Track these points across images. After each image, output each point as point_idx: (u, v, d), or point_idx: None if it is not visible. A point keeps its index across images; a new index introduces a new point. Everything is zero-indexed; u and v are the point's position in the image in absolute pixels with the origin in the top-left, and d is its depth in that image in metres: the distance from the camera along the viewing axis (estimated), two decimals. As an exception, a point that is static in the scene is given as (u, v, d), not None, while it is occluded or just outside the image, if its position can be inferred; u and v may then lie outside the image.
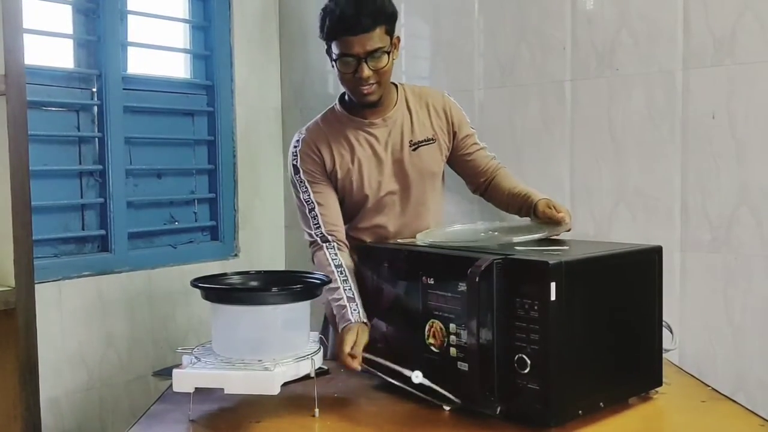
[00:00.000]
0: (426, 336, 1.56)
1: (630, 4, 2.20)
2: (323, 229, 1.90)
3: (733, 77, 2.04)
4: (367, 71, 1.81)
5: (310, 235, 1.92)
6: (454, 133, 2.01)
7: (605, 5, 2.25)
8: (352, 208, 1.98)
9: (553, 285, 1.35)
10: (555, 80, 2.35)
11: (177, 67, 2.89)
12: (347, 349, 1.65)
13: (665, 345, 1.62)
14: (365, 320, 1.73)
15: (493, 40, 2.49)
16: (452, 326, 1.50)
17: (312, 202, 1.92)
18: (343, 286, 1.79)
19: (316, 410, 1.52)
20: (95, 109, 2.54)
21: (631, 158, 2.22)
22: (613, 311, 1.50)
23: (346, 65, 1.83)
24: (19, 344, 1.70)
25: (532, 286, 1.38)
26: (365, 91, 1.85)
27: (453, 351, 1.51)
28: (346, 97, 1.97)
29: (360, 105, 1.92)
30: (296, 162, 1.94)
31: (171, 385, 1.51)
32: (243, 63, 2.97)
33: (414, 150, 1.95)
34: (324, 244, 1.89)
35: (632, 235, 2.16)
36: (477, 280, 1.39)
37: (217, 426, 1.52)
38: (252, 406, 1.58)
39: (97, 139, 2.55)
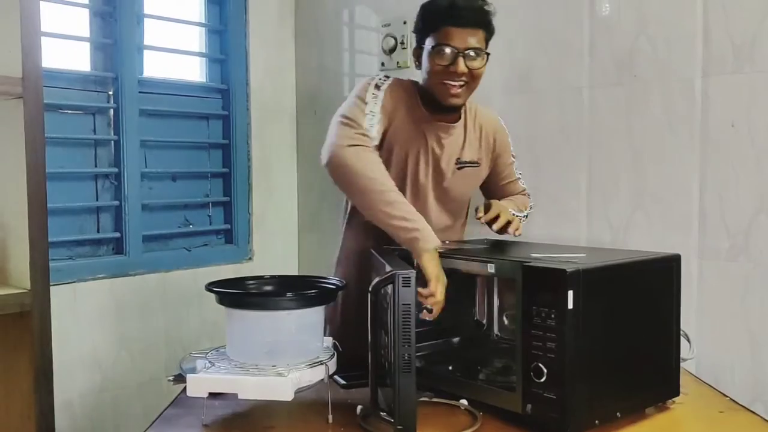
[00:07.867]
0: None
1: (648, 11, 2.18)
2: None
3: (753, 85, 2.01)
4: (462, 66, 1.75)
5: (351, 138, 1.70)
6: (495, 160, 2.00)
7: (623, 11, 2.23)
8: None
9: (570, 293, 1.33)
10: (573, 87, 2.34)
11: (193, 70, 2.90)
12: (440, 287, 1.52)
13: (682, 354, 1.61)
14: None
15: (509, 46, 2.47)
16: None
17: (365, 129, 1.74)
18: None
19: (330, 416, 1.51)
20: (111, 112, 2.56)
21: (649, 166, 2.20)
22: (630, 320, 1.48)
23: (441, 56, 1.76)
24: (33, 347, 1.70)
25: (548, 294, 1.36)
26: (452, 91, 1.78)
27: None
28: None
29: (442, 106, 1.82)
30: (377, 94, 1.80)
31: (184, 389, 1.51)
32: (258, 66, 2.97)
33: (459, 169, 1.92)
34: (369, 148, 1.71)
35: (649, 243, 2.14)
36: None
37: (230, 431, 1.52)
38: (265, 411, 1.58)
39: (112, 141, 2.56)
